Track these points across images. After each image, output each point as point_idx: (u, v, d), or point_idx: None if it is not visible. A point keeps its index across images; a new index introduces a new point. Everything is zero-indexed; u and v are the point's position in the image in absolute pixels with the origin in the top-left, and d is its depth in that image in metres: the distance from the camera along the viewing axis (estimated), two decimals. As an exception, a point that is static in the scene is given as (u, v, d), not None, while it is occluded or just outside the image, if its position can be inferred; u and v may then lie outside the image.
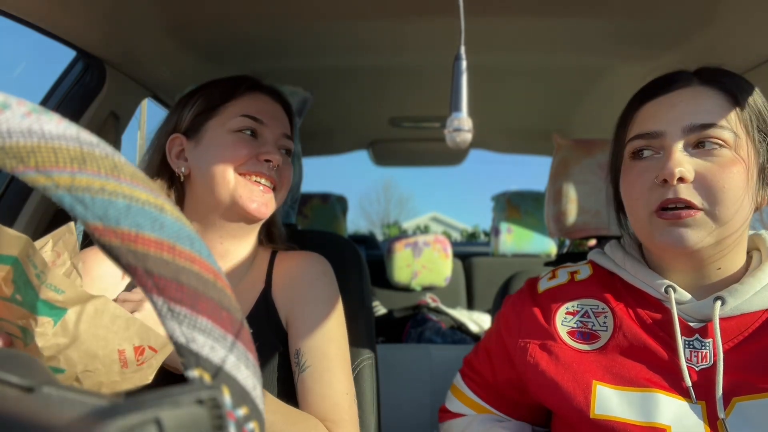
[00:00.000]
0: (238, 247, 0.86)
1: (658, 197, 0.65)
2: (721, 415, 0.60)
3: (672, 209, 0.64)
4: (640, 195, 0.67)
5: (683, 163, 0.63)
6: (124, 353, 0.54)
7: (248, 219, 0.82)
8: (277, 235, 0.95)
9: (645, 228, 0.68)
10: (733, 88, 0.66)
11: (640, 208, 0.67)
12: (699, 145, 0.64)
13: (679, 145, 0.65)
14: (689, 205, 0.63)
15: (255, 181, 0.81)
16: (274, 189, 0.83)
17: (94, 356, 0.54)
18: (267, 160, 0.81)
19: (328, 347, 0.80)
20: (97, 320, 0.53)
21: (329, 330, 0.82)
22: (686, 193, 0.63)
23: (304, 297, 0.84)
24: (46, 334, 0.52)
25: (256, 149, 0.81)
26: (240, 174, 0.80)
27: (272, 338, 0.81)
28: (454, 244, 3.47)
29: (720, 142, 0.63)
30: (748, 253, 0.70)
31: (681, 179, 0.63)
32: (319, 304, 0.83)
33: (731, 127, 0.64)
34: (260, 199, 0.80)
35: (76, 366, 0.53)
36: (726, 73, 0.68)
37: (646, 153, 0.68)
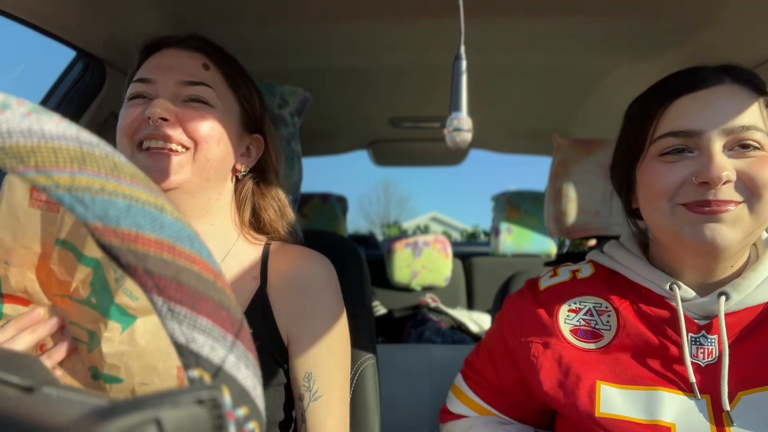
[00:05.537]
0: (202, 229, 0.76)
1: (694, 195, 0.63)
2: (726, 407, 0.60)
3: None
4: (667, 189, 0.65)
5: (727, 166, 0.61)
6: (182, 370, 0.53)
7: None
8: (270, 217, 0.83)
9: (665, 222, 0.66)
10: (763, 89, 0.65)
11: (664, 202, 0.65)
12: (737, 147, 0.63)
13: (719, 146, 0.63)
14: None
15: (145, 147, 0.70)
16: (186, 148, 0.71)
17: (153, 369, 0.54)
18: (149, 117, 0.69)
19: (338, 376, 0.77)
20: (161, 333, 0.53)
21: (339, 354, 0.78)
22: (727, 194, 0.61)
23: (312, 311, 0.77)
24: (113, 340, 0.52)
25: (144, 111, 0.71)
26: (136, 145, 0.71)
27: (267, 341, 0.76)
28: (454, 244, 3.47)
29: (756, 143, 0.63)
30: None
31: (725, 182, 0.61)
32: (329, 319, 0.78)
33: (765, 128, 0.63)
34: (154, 165, 0.69)
35: (134, 377, 0.53)
36: (752, 72, 0.67)
37: (680, 151, 0.65)
